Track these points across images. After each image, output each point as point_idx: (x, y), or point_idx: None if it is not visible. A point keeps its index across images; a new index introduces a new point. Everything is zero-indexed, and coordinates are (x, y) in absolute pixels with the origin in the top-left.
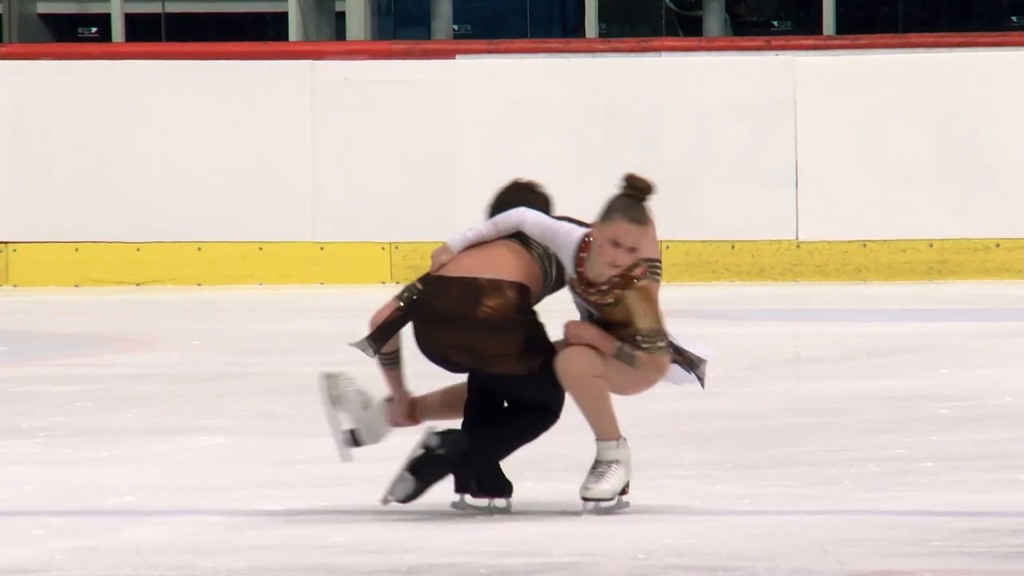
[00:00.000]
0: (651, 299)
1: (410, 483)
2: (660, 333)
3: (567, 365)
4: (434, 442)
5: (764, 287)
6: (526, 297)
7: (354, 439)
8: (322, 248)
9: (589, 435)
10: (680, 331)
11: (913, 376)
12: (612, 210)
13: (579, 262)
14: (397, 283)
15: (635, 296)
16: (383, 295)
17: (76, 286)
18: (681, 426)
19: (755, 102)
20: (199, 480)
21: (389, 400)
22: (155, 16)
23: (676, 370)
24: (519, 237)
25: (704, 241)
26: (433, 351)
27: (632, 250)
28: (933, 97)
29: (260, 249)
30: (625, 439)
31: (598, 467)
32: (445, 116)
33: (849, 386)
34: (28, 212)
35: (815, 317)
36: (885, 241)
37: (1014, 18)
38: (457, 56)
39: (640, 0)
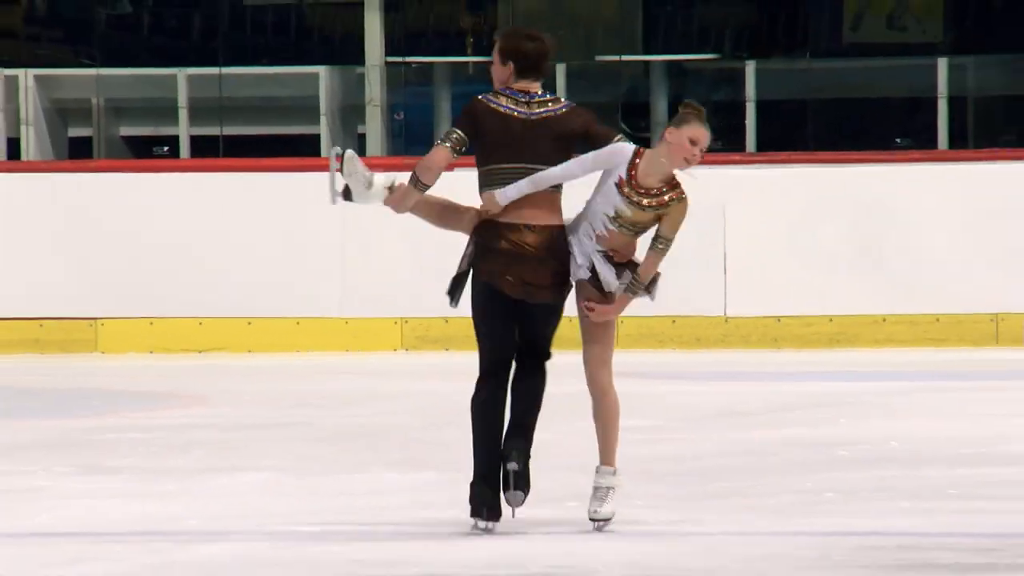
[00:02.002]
0: (678, 216)
1: (520, 495)
2: (669, 241)
3: (608, 389)
4: (517, 463)
5: (700, 354)
6: (564, 235)
7: (346, 198)
8: (347, 323)
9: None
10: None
11: (819, 426)
12: (688, 117)
13: (632, 167)
14: (407, 351)
15: (681, 208)
16: (396, 360)
17: (151, 352)
18: (633, 466)
19: (693, 205)
20: (249, 508)
21: (390, 189)
22: (215, 137)
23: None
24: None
25: (652, 316)
26: (493, 280)
27: (703, 152)
28: (835, 202)
29: (298, 323)
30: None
31: (599, 492)
32: None
33: (769, 434)
34: (114, 294)
35: (741, 378)
36: (796, 316)
37: (898, 140)
38: (455, 169)
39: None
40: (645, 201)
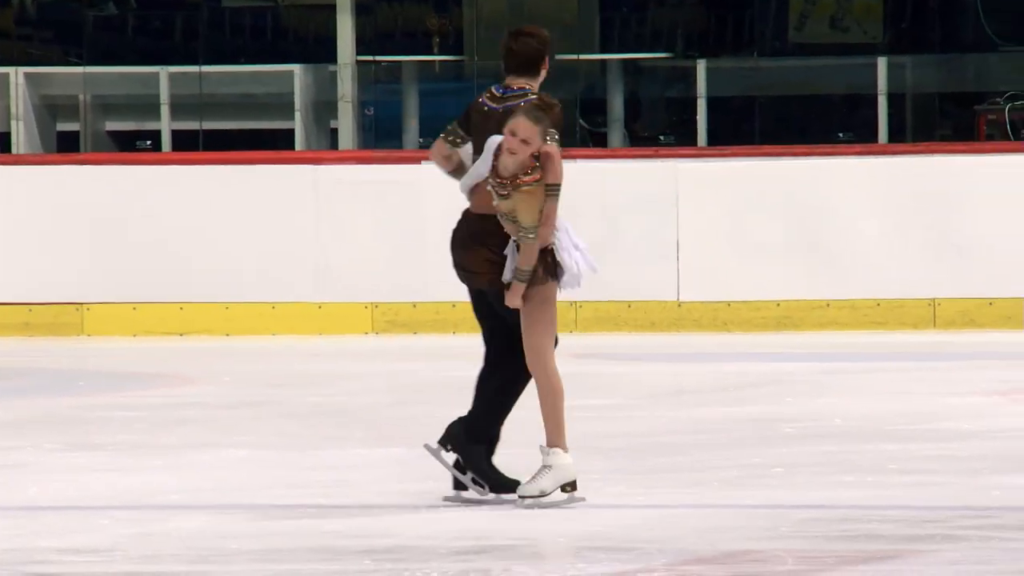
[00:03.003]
0: (534, 202)
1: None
2: (534, 229)
3: (542, 374)
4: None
5: (654, 336)
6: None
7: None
8: (320, 307)
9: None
10: (578, 242)
11: (767, 404)
12: (516, 111)
13: (495, 159)
14: (377, 334)
15: (528, 197)
16: (367, 343)
17: (135, 336)
18: (589, 442)
19: (647, 197)
20: (228, 483)
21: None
22: (195, 132)
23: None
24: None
25: (609, 301)
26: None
27: (525, 142)
28: (781, 193)
29: (273, 308)
30: (561, 450)
31: (537, 470)
32: (414, 206)
33: (719, 411)
34: (99, 280)
35: (693, 360)
36: (744, 301)
37: (841, 134)
38: (422, 162)
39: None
40: (503, 192)
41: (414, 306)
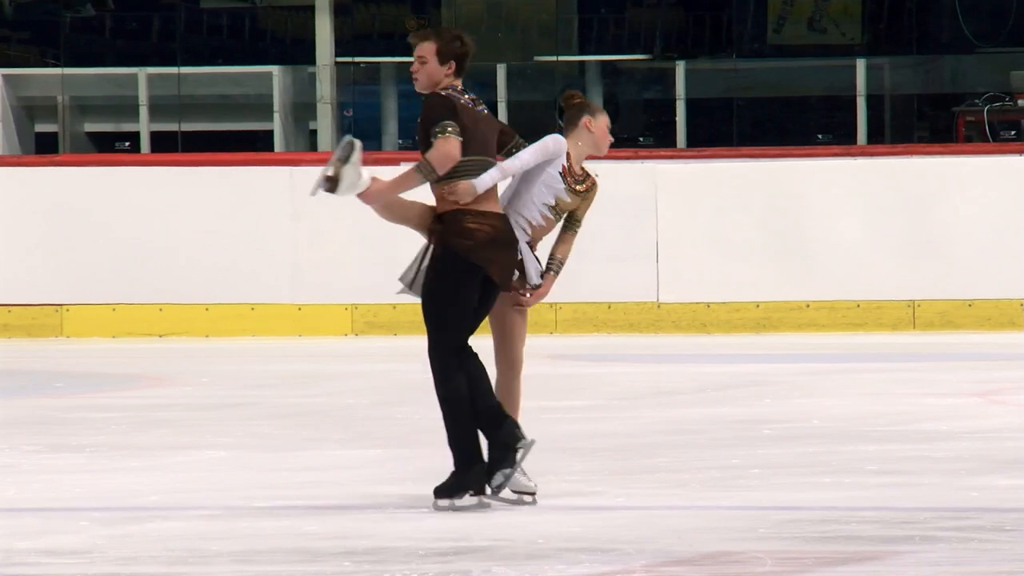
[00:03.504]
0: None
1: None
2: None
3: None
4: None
5: (633, 338)
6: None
7: (330, 188)
8: (300, 308)
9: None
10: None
11: (746, 405)
12: (595, 108)
13: (567, 156)
14: (357, 335)
15: (596, 192)
16: (346, 344)
17: (113, 337)
18: (569, 443)
19: (626, 198)
20: (206, 484)
21: (374, 180)
22: (174, 133)
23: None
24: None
25: (588, 302)
26: (487, 266)
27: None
28: (760, 195)
29: (252, 309)
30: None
31: None
32: None
33: (698, 412)
34: (78, 282)
35: (672, 360)
36: (724, 303)
37: (820, 135)
38: (400, 163)
39: (538, 121)
40: (579, 187)
41: (394, 307)
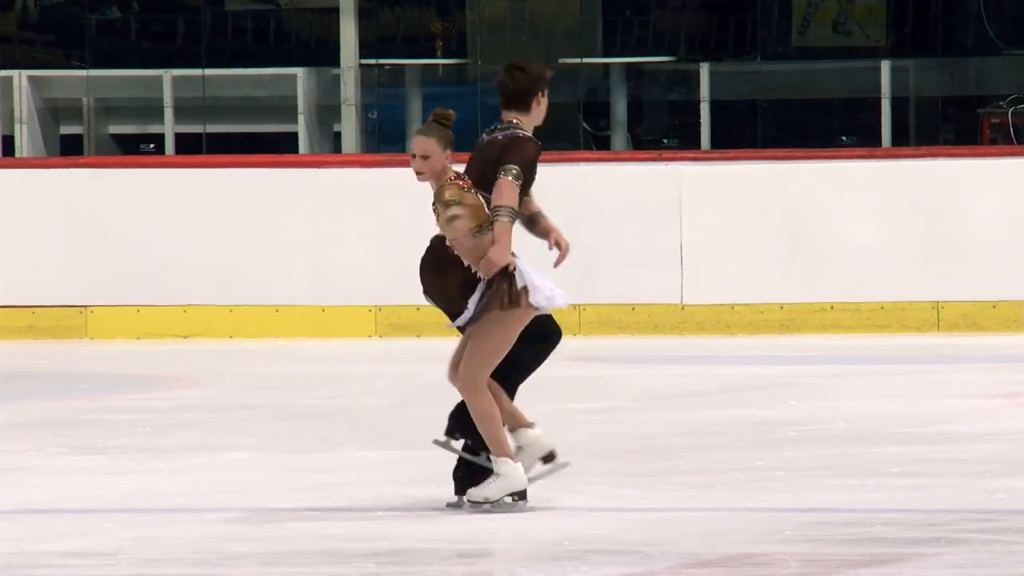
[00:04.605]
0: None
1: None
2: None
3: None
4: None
5: (657, 339)
6: None
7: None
8: (323, 310)
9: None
10: (539, 279)
11: (770, 406)
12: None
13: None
14: (381, 337)
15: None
16: (370, 346)
17: (138, 338)
18: (593, 445)
19: (650, 200)
20: (231, 485)
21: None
22: (199, 135)
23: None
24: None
25: (612, 304)
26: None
27: (424, 157)
28: (785, 196)
29: (276, 311)
30: (509, 460)
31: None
32: (418, 209)
33: (721, 414)
34: (103, 282)
35: (696, 362)
36: (748, 304)
37: (844, 137)
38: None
39: (563, 123)
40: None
41: (417, 309)
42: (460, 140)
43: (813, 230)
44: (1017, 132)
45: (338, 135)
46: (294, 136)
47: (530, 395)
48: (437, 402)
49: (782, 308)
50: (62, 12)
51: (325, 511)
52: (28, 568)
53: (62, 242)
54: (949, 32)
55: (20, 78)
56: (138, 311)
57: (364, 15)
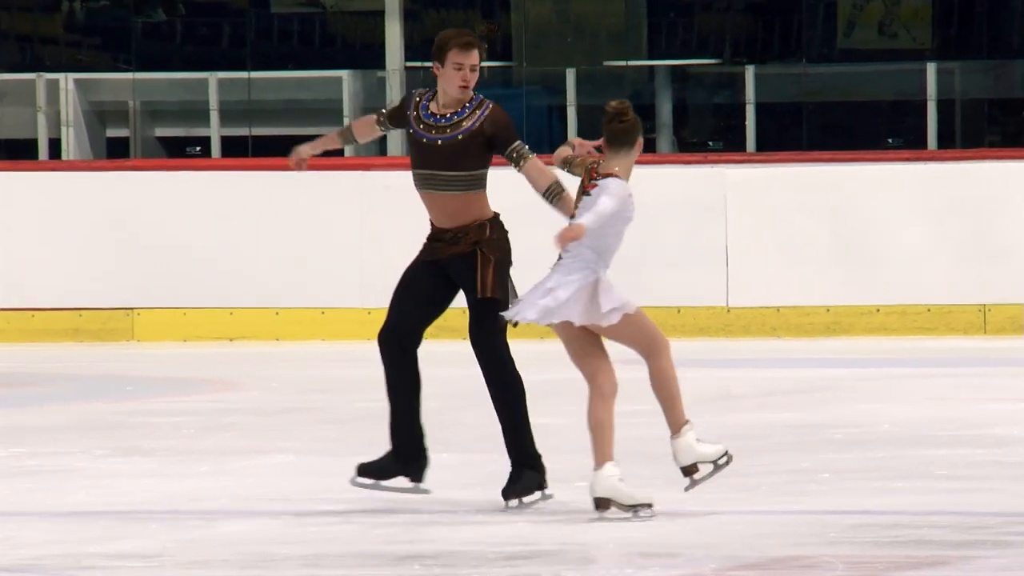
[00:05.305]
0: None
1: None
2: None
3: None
4: None
5: (702, 342)
6: None
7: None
8: (369, 313)
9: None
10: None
11: (815, 409)
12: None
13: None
14: (427, 340)
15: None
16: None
17: (184, 341)
18: (636, 448)
19: (696, 202)
20: (274, 488)
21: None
22: (244, 138)
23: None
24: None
25: (657, 307)
26: None
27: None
28: (830, 199)
29: (322, 313)
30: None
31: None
32: None
33: (766, 417)
34: (150, 285)
35: (741, 365)
36: (793, 307)
37: (889, 140)
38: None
39: None
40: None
41: (463, 312)
42: None
43: (859, 233)
44: None
45: (383, 137)
46: None
47: (574, 398)
48: (483, 405)
49: (828, 311)
50: (108, 15)
51: (369, 513)
52: (73, 570)
53: (108, 245)
54: (995, 34)
55: (67, 81)
56: (184, 314)
57: (409, 17)
